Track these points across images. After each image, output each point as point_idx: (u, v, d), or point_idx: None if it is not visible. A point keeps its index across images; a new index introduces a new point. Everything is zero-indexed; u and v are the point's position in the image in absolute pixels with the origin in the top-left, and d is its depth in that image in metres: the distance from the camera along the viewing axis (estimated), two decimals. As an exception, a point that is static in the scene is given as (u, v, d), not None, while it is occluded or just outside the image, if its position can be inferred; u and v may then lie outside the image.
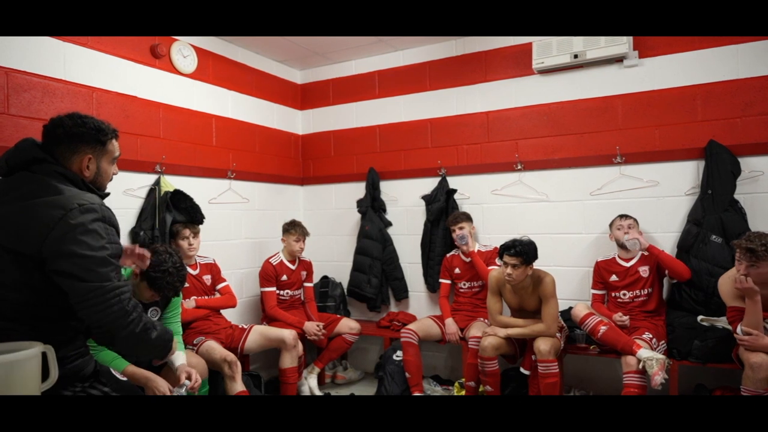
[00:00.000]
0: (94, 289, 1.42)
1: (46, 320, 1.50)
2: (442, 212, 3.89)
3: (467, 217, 3.68)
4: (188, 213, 3.27)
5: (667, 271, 3.10)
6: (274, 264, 3.74)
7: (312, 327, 3.60)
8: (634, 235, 3.12)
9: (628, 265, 3.20)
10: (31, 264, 1.43)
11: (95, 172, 1.60)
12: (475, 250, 3.64)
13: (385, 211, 4.26)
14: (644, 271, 3.15)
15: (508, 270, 2.96)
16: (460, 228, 3.60)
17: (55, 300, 1.48)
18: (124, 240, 3.17)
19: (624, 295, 3.19)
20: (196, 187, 3.50)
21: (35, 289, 1.46)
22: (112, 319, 1.44)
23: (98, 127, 1.59)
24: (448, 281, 3.74)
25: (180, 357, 2.45)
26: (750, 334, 2.50)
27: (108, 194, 1.68)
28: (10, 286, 1.45)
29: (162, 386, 2.31)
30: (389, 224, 4.24)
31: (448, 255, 3.77)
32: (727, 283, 2.65)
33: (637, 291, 3.16)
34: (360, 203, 4.24)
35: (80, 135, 1.56)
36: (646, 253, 3.17)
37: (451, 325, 3.53)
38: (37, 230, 1.40)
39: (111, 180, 1.68)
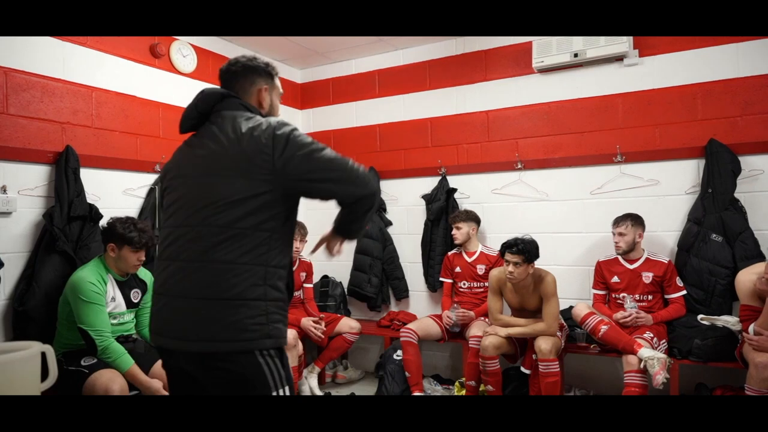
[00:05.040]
0: (345, 167, 1.44)
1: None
2: (443, 211, 3.89)
3: (471, 216, 3.63)
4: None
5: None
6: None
7: (308, 322, 3.54)
8: (633, 313, 3.00)
9: (631, 267, 3.14)
10: (269, 181, 1.42)
11: (269, 105, 1.66)
12: (478, 251, 3.64)
13: (385, 210, 4.25)
14: (647, 277, 3.09)
15: (510, 268, 2.96)
16: (458, 228, 3.59)
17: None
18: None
19: (624, 297, 3.12)
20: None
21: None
22: (365, 182, 1.47)
23: (267, 62, 1.66)
24: (450, 280, 3.72)
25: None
26: (761, 334, 2.47)
27: None
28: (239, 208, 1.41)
29: (161, 392, 2.34)
30: (389, 223, 4.24)
31: (449, 253, 3.76)
32: (745, 280, 2.60)
33: (638, 296, 3.10)
34: (360, 202, 4.23)
35: (255, 67, 1.62)
36: (653, 259, 3.12)
37: (444, 317, 3.53)
38: (262, 152, 1.41)
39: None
